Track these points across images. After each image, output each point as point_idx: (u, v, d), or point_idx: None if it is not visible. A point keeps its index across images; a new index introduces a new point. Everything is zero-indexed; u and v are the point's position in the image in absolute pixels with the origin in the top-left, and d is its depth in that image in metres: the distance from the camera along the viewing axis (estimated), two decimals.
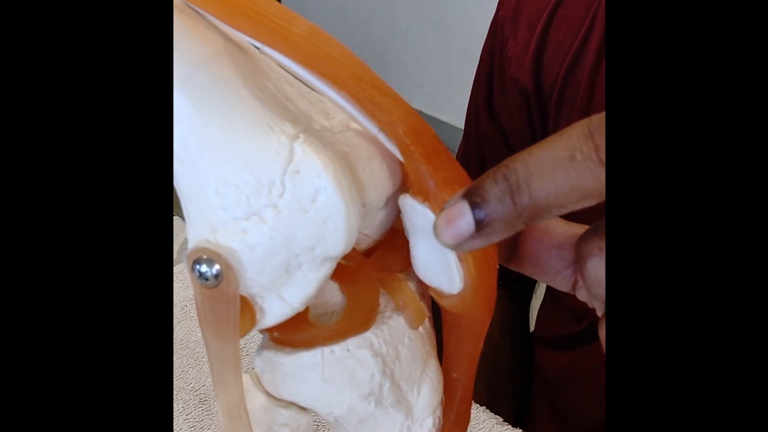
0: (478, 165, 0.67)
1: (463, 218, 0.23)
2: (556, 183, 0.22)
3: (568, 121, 0.57)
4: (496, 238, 0.24)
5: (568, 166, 0.22)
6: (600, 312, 0.27)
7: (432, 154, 0.25)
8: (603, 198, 0.23)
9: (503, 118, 0.63)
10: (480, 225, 0.23)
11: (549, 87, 0.58)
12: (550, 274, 0.28)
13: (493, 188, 0.23)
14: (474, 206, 0.23)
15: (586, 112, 0.56)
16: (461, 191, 0.24)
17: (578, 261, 0.25)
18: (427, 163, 0.25)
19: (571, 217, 0.25)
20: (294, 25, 0.24)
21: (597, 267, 0.24)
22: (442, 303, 0.27)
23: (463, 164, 0.68)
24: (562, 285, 0.28)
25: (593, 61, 0.55)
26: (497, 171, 0.23)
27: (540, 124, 0.60)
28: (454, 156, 0.73)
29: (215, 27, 0.25)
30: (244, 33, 0.25)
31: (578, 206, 0.23)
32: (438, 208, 0.25)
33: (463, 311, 0.27)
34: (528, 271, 0.28)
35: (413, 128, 0.25)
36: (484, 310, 0.27)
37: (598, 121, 0.22)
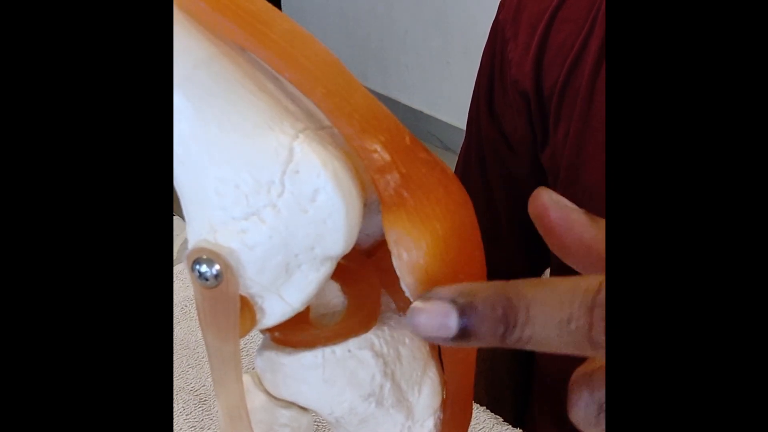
0: (479, 165, 0.67)
1: (448, 320, 0.24)
2: (548, 337, 0.23)
3: (568, 124, 0.57)
4: (468, 346, 0.24)
5: (564, 328, 0.23)
6: None
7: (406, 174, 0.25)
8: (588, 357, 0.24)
9: (504, 119, 0.64)
10: (462, 333, 0.24)
11: (549, 89, 0.58)
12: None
13: (488, 315, 0.23)
14: (462, 315, 0.23)
15: (585, 117, 0.56)
16: (449, 290, 0.24)
17: (567, 402, 0.25)
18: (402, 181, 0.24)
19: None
20: (272, 25, 0.24)
21: (579, 416, 0.24)
22: None
23: (465, 164, 0.68)
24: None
25: (593, 64, 0.55)
26: (500, 301, 0.23)
27: (540, 126, 0.60)
28: (457, 154, 0.73)
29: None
30: (221, 33, 0.25)
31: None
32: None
33: None
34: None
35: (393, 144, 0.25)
36: None
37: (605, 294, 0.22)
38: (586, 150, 0.56)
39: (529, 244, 0.65)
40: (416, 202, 0.24)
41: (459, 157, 0.70)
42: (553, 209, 0.27)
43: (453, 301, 0.24)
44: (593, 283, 0.23)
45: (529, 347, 0.23)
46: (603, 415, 0.24)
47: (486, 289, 0.24)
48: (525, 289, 0.23)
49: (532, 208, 0.28)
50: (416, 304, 0.24)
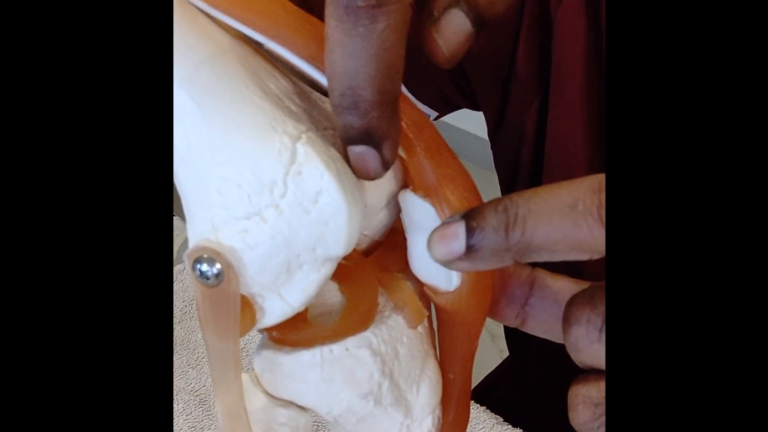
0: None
1: (457, 239, 0.24)
2: (550, 227, 0.23)
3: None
4: (483, 266, 0.24)
5: (568, 214, 0.22)
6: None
7: (434, 150, 0.25)
8: (594, 255, 0.23)
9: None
10: (470, 250, 0.24)
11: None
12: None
13: (492, 217, 0.24)
14: (470, 230, 0.24)
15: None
16: (463, 211, 0.24)
17: (564, 322, 0.25)
18: (429, 159, 0.25)
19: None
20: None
21: (579, 334, 0.24)
22: (437, 300, 0.27)
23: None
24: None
25: None
26: (501, 201, 0.24)
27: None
28: (462, 141, 0.71)
29: (219, 25, 0.26)
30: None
31: (570, 257, 0.23)
32: (439, 204, 0.25)
33: (459, 309, 0.27)
34: (540, 334, 0.29)
35: (416, 123, 0.25)
36: (479, 309, 0.27)
37: None
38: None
39: None
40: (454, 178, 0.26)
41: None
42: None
43: (461, 218, 0.24)
44: (597, 176, 0.23)
45: (535, 245, 0.23)
46: (604, 333, 0.23)
47: (489, 202, 0.24)
48: (525, 191, 0.24)
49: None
50: (432, 235, 0.25)
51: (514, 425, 0.58)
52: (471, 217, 0.24)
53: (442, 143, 0.26)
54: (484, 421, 0.58)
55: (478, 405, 0.59)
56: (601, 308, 0.24)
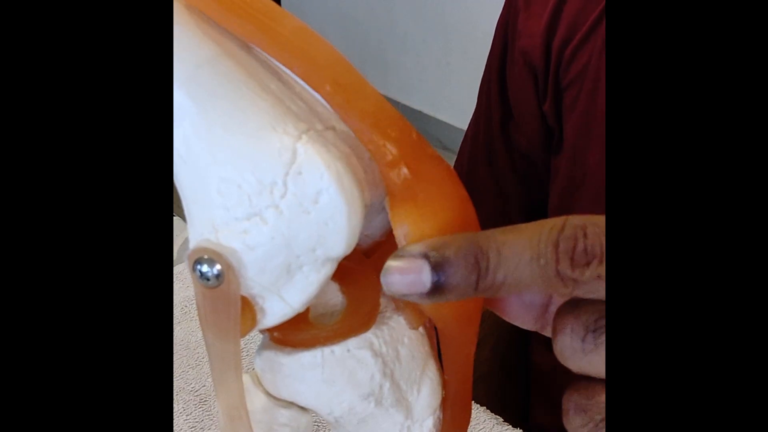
0: (486, 146, 0.66)
1: (421, 275, 0.24)
2: (519, 277, 0.23)
3: (573, 104, 0.56)
4: (444, 301, 0.24)
5: (534, 267, 0.23)
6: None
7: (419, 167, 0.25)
8: (564, 298, 0.24)
9: (511, 92, 0.63)
10: (436, 287, 0.24)
11: (555, 64, 0.58)
12: (517, 321, 0.29)
13: (461, 264, 0.23)
14: (437, 269, 0.23)
15: (593, 96, 0.55)
16: (422, 246, 0.24)
17: (552, 331, 0.25)
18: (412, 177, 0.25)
19: None
20: (280, 22, 0.24)
21: (563, 344, 0.25)
22: (421, 306, 0.27)
23: (472, 142, 0.68)
24: (529, 326, 0.29)
25: (604, 42, 0.54)
26: (471, 249, 0.24)
27: (545, 100, 0.59)
28: (460, 143, 0.71)
29: (220, 26, 0.25)
30: (229, 28, 0.25)
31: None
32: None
33: (438, 318, 0.27)
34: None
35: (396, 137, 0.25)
36: (461, 320, 0.27)
37: (569, 230, 0.23)
38: (592, 129, 0.56)
39: None
40: (425, 196, 0.24)
41: (465, 135, 0.69)
42: None
43: (425, 256, 0.24)
44: (557, 222, 0.23)
45: (502, 291, 0.24)
46: (588, 341, 0.24)
47: (457, 240, 0.24)
48: (495, 235, 0.24)
49: None
50: (389, 262, 0.24)
51: (515, 425, 0.58)
52: (438, 258, 0.24)
53: (426, 154, 0.25)
54: (484, 421, 0.58)
55: (478, 405, 0.59)
56: (584, 318, 0.24)
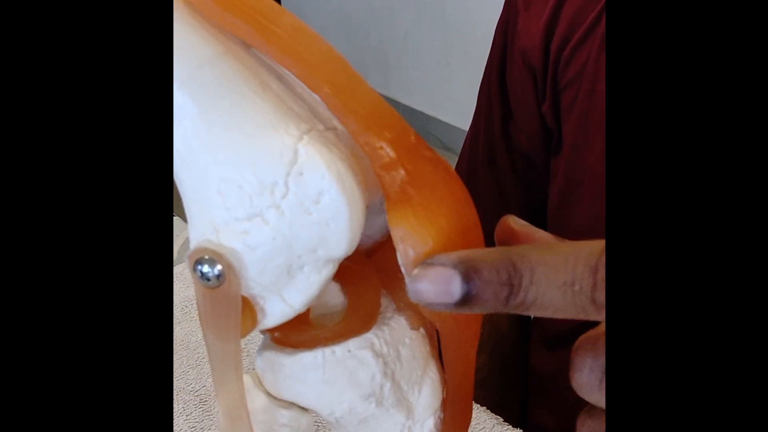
0: (486, 146, 0.67)
1: (450, 285, 0.23)
2: (551, 299, 0.23)
3: (572, 104, 0.56)
4: (470, 312, 0.24)
5: (567, 291, 0.23)
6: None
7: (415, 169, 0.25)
8: (590, 321, 0.23)
9: (511, 93, 0.63)
10: (466, 298, 0.23)
11: (553, 65, 0.58)
12: None
13: (494, 279, 0.23)
14: (466, 280, 0.23)
15: (590, 96, 0.55)
16: (453, 256, 0.24)
17: (570, 366, 0.25)
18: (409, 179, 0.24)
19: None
20: (277, 23, 0.24)
21: (581, 381, 0.24)
22: (421, 308, 0.27)
23: (472, 142, 0.68)
24: None
25: (602, 41, 0.54)
26: (504, 264, 0.23)
27: (544, 101, 0.60)
28: (458, 154, 0.72)
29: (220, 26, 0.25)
30: (227, 28, 0.25)
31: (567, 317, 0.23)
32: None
33: (438, 319, 0.26)
34: None
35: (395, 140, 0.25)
36: (462, 321, 0.26)
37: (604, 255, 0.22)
38: (590, 130, 0.56)
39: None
40: (422, 199, 0.24)
41: (463, 150, 0.70)
42: (521, 233, 0.27)
43: (455, 266, 0.23)
44: (596, 246, 0.23)
45: (531, 311, 0.23)
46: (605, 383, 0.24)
47: (490, 254, 0.24)
48: (529, 252, 0.23)
49: (499, 233, 0.27)
50: (417, 270, 0.24)
51: (515, 425, 0.58)
52: (470, 270, 0.23)
53: (422, 157, 0.25)
54: (485, 421, 0.58)
55: (478, 405, 0.59)
56: (601, 360, 0.24)
